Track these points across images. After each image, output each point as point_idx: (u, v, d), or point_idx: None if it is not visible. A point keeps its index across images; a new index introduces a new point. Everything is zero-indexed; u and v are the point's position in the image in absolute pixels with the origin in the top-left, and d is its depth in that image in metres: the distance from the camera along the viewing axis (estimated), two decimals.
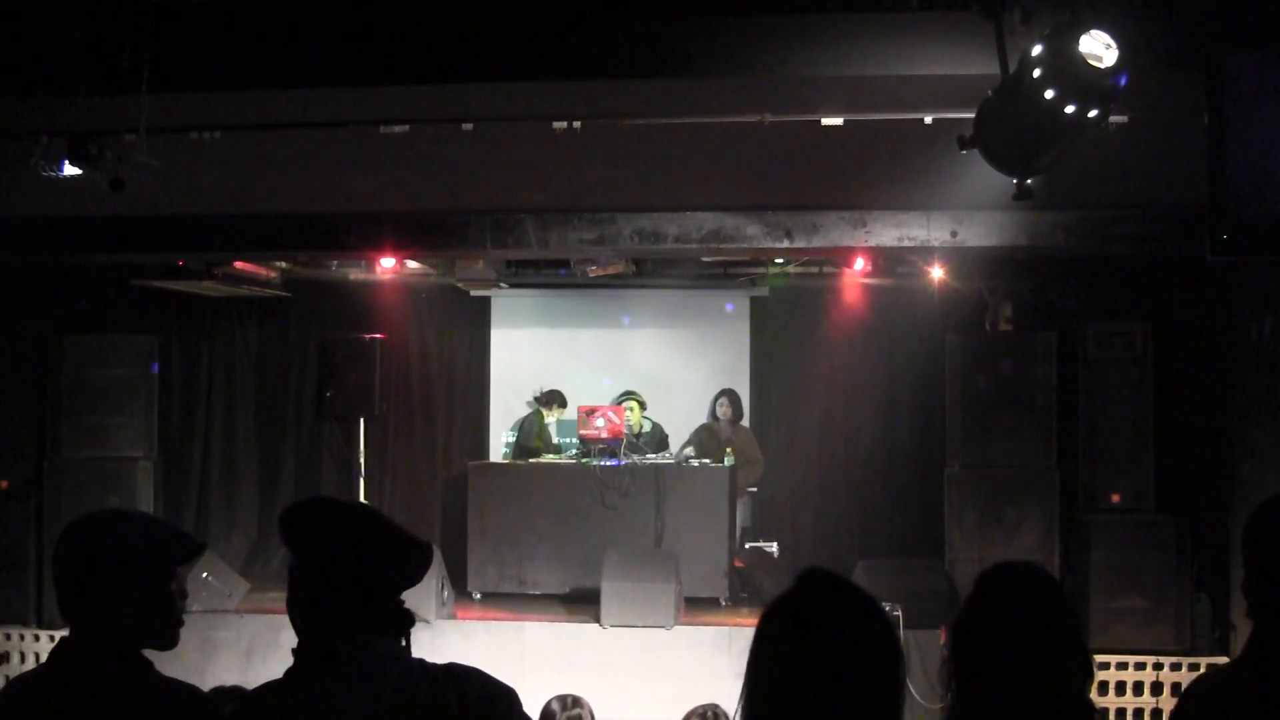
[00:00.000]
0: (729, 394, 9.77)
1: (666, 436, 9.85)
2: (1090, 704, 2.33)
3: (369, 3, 5.16)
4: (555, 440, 9.93)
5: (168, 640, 2.47)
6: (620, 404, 9.57)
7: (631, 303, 10.43)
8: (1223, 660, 7.50)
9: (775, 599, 1.97)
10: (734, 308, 10.35)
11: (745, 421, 9.93)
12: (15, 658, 8.35)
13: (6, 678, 8.30)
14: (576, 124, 5.77)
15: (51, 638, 8.26)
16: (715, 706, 4.02)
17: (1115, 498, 7.97)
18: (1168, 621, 7.72)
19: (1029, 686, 2.20)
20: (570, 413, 9.79)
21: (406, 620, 2.37)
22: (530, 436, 9.79)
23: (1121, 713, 7.62)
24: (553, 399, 9.91)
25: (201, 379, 10.21)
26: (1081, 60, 3.87)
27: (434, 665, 2.36)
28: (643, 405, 9.83)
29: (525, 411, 10.13)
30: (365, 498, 9.82)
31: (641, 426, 9.76)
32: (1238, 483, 7.53)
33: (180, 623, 2.49)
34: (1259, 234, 4.23)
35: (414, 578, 2.40)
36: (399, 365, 10.35)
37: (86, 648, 2.42)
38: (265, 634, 7.78)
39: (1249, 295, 7.40)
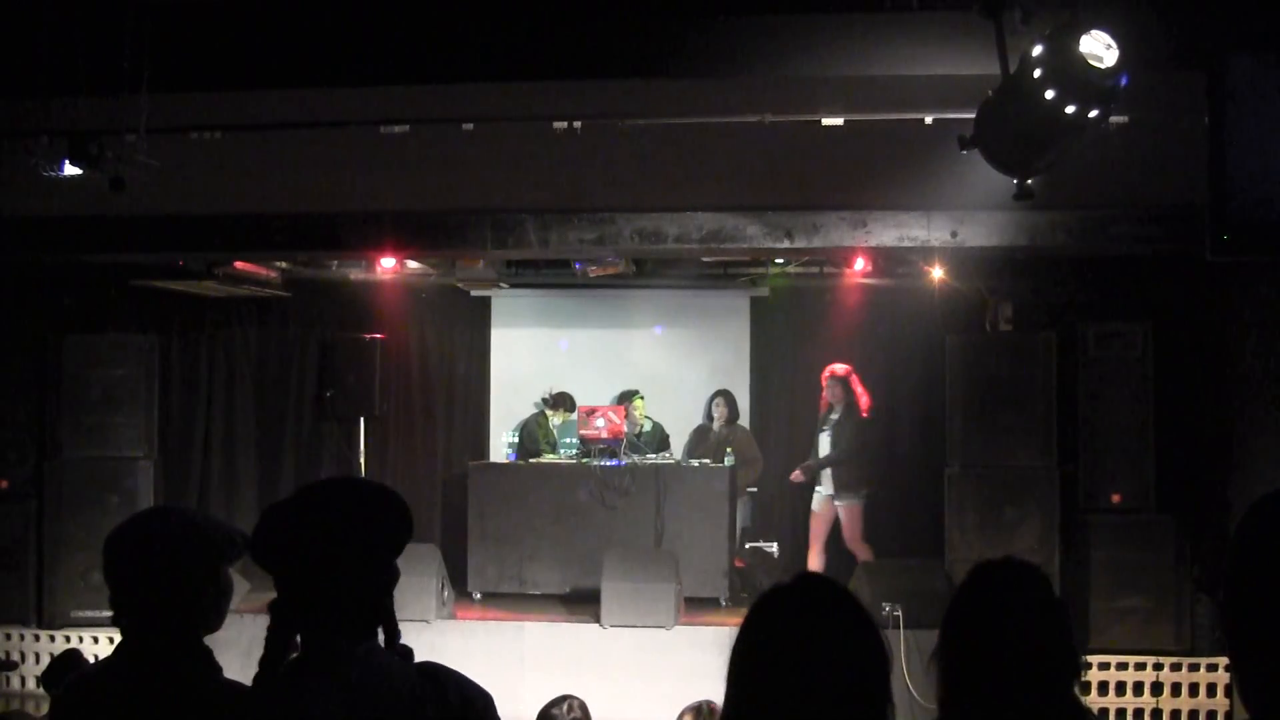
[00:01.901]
0: (724, 394, 9.77)
1: (667, 436, 9.85)
2: (1080, 702, 2.31)
3: (369, 3, 5.16)
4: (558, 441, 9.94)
5: (211, 626, 2.57)
6: (626, 402, 9.59)
7: (631, 303, 10.43)
8: (1222, 660, 7.51)
9: (767, 590, 1.99)
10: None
11: (744, 421, 9.93)
12: (16, 658, 8.33)
13: (8, 680, 8.30)
14: (576, 124, 5.77)
15: (51, 638, 8.25)
16: (710, 703, 4.02)
17: (1115, 498, 7.96)
18: (1168, 621, 7.72)
19: (1015, 683, 2.20)
20: (572, 414, 9.80)
21: (389, 622, 2.31)
22: (533, 438, 9.79)
23: (1122, 713, 7.62)
24: (559, 402, 9.91)
25: (201, 379, 10.20)
26: (1082, 60, 3.87)
27: (410, 665, 2.30)
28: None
29: (526, 412, 10.13)
30: None
31: (642, 426, 9.76)
32: (1237, 483, 7.52)
33: (225, 612, 2.60)
34: (1259, 234, 4.22)
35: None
36: (399, 365, 10.36)
37: (149, 645, 2.47)
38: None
39: (1249, 295, 7.40)
